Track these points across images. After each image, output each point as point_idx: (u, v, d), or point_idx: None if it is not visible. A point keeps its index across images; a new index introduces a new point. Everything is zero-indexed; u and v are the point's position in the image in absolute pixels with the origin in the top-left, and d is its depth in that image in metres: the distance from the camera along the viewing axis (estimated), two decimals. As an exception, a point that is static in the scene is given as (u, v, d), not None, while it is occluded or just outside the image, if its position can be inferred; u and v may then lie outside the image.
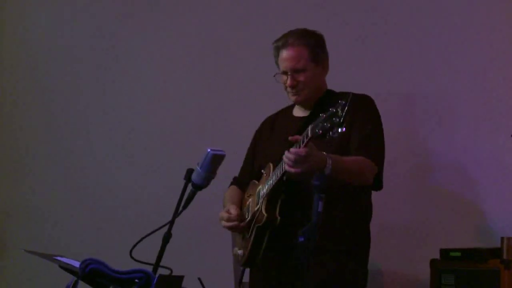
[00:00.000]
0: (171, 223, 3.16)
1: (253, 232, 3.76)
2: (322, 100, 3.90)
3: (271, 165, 3.77)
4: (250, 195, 3.94)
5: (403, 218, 4.69)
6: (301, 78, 3.85)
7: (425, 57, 4.70)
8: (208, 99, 5.14)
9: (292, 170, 3.52)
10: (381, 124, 3.89)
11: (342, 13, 4.86)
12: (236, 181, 4.15)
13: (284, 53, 3.86)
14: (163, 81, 5.26)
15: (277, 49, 3.90)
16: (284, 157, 3.53)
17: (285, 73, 3.88)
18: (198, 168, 3.19)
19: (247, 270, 3.96)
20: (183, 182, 3.24)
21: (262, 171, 3.86)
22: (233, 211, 3.86)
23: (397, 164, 4.54)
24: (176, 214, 3.18)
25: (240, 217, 3.85)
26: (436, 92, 4.69)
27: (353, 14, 4.85)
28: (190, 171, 3.23)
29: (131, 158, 5.26)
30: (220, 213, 3.92)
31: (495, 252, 4.06)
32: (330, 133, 3.23)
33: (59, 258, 3.15)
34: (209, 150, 3.19)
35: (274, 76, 3.92)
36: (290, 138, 3.56)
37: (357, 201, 3.86)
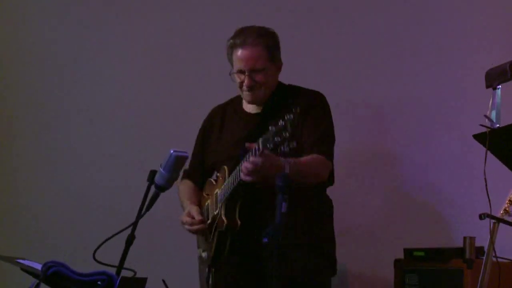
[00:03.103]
0: (134, 224, 3.14)
1: (215, 236, 3.78)
2: (274, 95, 3.89)
3: (225, 168, 3.78)
4: (208, 194, 3.94)
5: (367, 218, 4.72)
6: (259, 78, 3.82)
7: (394, 64, 4.74)
8: (169, 101, 5.13)
9: (248, 179, 3.53)
10: (331, 122, 3.89)
11: (318, 17, 4.88)
12: (187, 175, 4.12)
13: (242, 52, 3.81)
14: (135, 83, 5.24)
15: (233, 47, 3.84)
16: (242, 167, 3.54)
17: (241, 72, 3.83)
18: (161, 170, 3.18)
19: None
20: (146, 183, 3.22)
21: (218, 174, 3.86)
22: (196, 215, 3.87)
23: (361, 166, 4.56)
24: (140, 215, 3.17)
25: (203, 220, 3.86)
26: (403, 98, 4.73)
27: (331, 18, 4.87)
28: (153, 173, 3.21)
29: (96, 161, 5.23)
30: (182, 217, 3.93)
31: (458, 252, 4.08)
32: (282, 147, 3.22)
33: (20, 261, 3.12)
34: (172, 151, 3.18)
35: (230, 74, 3.89)
36: (246, 145, 3.54)
37: (316, 197, 3.88)
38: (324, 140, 3.82)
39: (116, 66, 5.27)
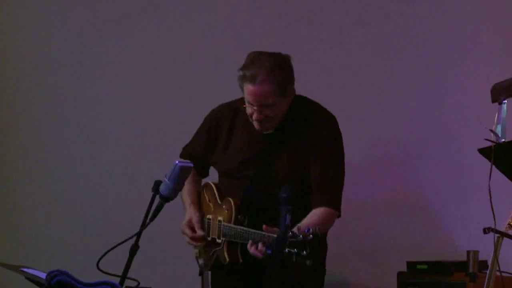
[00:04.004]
0: (139, 234, 3.15)
1: (213, 257, 3.83)
2: (287, 116, 3.83)
3: (232, 202, 3.78)
4: (210, 201, 3.94)
5: (371, 231, 4.71)
6: (268, 112, 3.73)
7: (406, 79, 4.75)
8: (173, 109, 5.12)
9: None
10: (343, 158, 3.86)
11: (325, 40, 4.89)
12: (188, 155, 3.99)
13: (252, 88, 3.68)
14: (139, 89, 5.22)
15: (244, 79, 3.72)
16: (251, 250, 3.57)
17: (251, 104, 3.75)
18: (166, 180, 3.18)
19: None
20: (151, 193, 3.22)
21: (223, 204, 3.85)
22: (198, 229, 3.87)
23: (364, 178, 4.56)
24: (144, 225, 3.17)
25: (203, 237, 3.86)
26: (408, 110, 4.74)
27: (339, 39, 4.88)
28: (158, 183, 3.22)
29: (101, 169, 5.23)
30: (183, 226, 3.91)
31: (461, 265, 4.09)
32: (295, 258, 3.10)
33: (25, 269, 3.13)
34: (177, 162, 3.18)
35: (243, 106, 3.82)
36: (264, 228, 3.54)
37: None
38: (333, 188, 3.79)
39: (120, 72, 5.25)
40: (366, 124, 4.75)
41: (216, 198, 3.90)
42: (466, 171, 4.51)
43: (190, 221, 3.91)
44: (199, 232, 3.85)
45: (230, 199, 3.80)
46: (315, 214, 3.73)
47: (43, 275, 2.93)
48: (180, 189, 3.22)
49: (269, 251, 3.00)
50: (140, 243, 3.14)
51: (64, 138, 5.33)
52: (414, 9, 4.75)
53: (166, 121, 5.14)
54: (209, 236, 3.87)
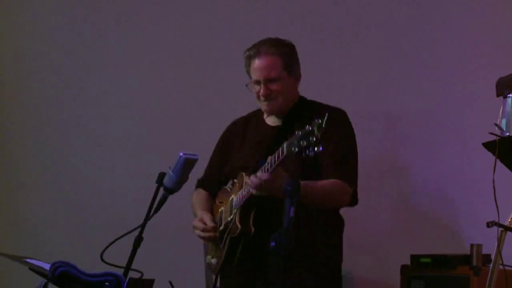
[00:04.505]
0: (143, 226, 3.16)
1: (227, 242, 3.77)
2: (295, 109, 3.88)
3: (243, 174, 3.76)
4: (222, 202, 3.93)
5: (374, 224, 4.71)
6: (274, 87, 3.81)
7: (410, 76, 4.74)
8: (181, 103, 5.13)
9: (254, 192, 3.56)
10: (355, 141, 3.87)
11: (330, 27, 4.88)
12: (201, 184, 4.10)
13: (257, 62, 3.81)
14: (141, 86, 5.24)
15: (249, 58, 3.85)
16: (249, 180, 3.56)
17: (257, 82, 3.83)
18: (170, 172, 3.19)
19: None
20: (155, 185, 3.23)
21: (235, 180, 3.85)
22: (209, 222, 3.85)
23: (369, 173, 4.56)
24: (148, 217, 3.18)
25: (215, 227, 3.84)
26: (411, 105, 4.73)
27: (341, 27, 4.88)
28: (162, 175, 3.22)
29: (104, 161, 5.24)
30: (194, 222, 3.90)
31: (465, 259, 4.08)
32: (307, 151, 3.21)
33: (29, 260, 3.14)
34: (181, 154, 3.18)
35: (247, 85, 3.89)
36: (269, 157, 3.53)
37: (328, 216, 3.86)
38: (345, 163, 3.78)
39: (123, 66, 5.28)
40: (370, 118, 4.74)
41: (229, 192, 3.90)
42: (470, 164, 4.51)
43: (201, 218, 3.91)
44: (210, 223, 3.85)
45: (242, 173, 3.78)
46: (324, 180, 3.72)
47: (47, 266, 2.94)
48: (184, 182, 3.22)
49: (273, 243, 3.00)
50: (144, 234, 3.15)
51: (67, 131, 5.35)
52: (419, 3, 4.74)
53: (170, 113, 5.15)
54: (221, 226, 3.87)
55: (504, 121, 3.35)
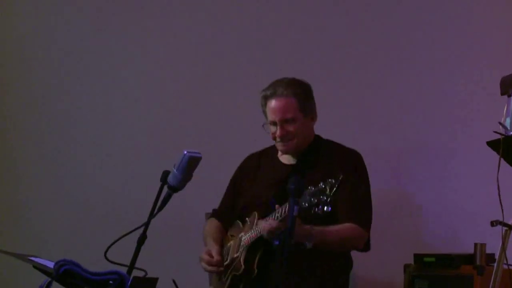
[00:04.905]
0: (146, 224, 3.15)
1: (229, 279, 3.80)
2: (310, 148, 3.92)
3: (256, 213, 3.79)
4: (233, 236, 3.95)
5: (377, 223, 4.70)
6: (290, 128, 3.85)
7: (408, 66, 4.74)
8: (185, 101, 5.13)
9: (266, 237, 3.60)
10: (369, 185, 3.92)
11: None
12: (216, 214, 4.16)
13: (273, 103, 3.85)
14: (142, 83, 5.24)
15: (265, 99, 3.89)
16: (261, 225, 3.59)
17: (273, 123, 3.87)
18: (174, 170, 3.18)
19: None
20: (159, 183, 3.23)
21: (247, 219, 3.87)
22: (215, 256, 3.89)
23: (372, 170, 4.55)
24: (152, 215, 3.17)
25: (220, 262, 3.88)
26: (414, 99, 4.73)
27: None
28: (166, 173, 3.22)
29: (107, 159, 5.24)
30: (202, 254, 3.96)
31: (468, 258, 4.08)
32: (316, 209, 3.22)
33: (33, 258, 3.14)
34: (185, 152, 3.18)
35: (263, 126, 3.92)
36: (277, 207, 3.58)
37: (339, 257, 3.91)
38: (361, 208, 3.83)
39: (125, 66, 5.27)
40: (373, 119, 4.75)
41: (241, 229, 3.92)
42: (474, 163, 4.50)
43: (208, 250, 3.95)
44: (217, 257, 3.88)
45: (255, 212, 3.82)
46: (339, 225, 3.74)
47: (51, 264, 2.94)
48: (189, 180, 3.22)
49: (277, 242, 3.00)
50: (148, 233, 3.15)
51: (70, 129, 5.34)
52: (421, 1, 4.74)
53: (173, 111, 5.15)
54: (227, 260, 3.88)
55: (508, 120, 3.34)
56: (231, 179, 4.18)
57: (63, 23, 5.38)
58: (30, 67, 5.45)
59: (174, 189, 3.20)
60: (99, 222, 5.13)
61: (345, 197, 3.74)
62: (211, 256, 3.90)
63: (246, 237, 3.78)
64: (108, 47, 5.31)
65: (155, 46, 5.22)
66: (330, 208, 3.20)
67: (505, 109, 3.36)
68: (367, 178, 3.92)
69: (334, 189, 3.19)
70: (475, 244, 4.06)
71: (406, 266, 4.26)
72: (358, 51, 4.82)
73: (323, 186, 3.21)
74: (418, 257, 4.24)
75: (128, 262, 3.11)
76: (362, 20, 4.84)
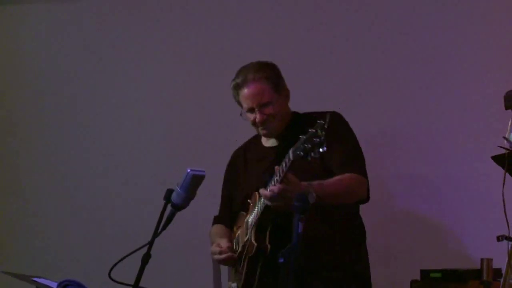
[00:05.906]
0: (151, 243, 3.14)
1: (245, 263, 3.76)
2: (290, 126, 3.90)
3: (256, 194, 3.76)
4: (239, 226, 3.93)
5: (384, 239, 4.69)
6: (269, 111, 3.84)
7: (412, 82, 4.74)
8: (188, 118, 5.13)
9: (270, 204, 3.55)
10: (355, 137, 3.89)
11: (331, 43, 4.88)
12: (218, 219, 4.16)
13: (246, 90, 3.85)
14: (148, 97, 5.23)
15: (237, 87, 3.88)
16: (262, 193, 3.56)
17: (251, 110, 3.86)
18: (178, 189, 3.18)
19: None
20: (163, 202, 3.22)
21: (249, 200, 3.86)
22: (224, 244, 3.87)
23: (377, 187, 4.54)
24: (156, 234, 3.16)
25: (231, 248, 3.85)
26: (419, 117, 4.72)
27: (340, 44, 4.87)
28: (169, 191, 3.21)
29: (111, 179, 5.23)
30: (212, 247, 3.93)
31: (475, 274, 4.06)
32: (312, 153, 3.20)
33: (36, 279, 3.13)
34: (189, 170, 3.18)
35: (240, 115, 3.91)
36: (276, 167, 3.54)
37: (350, 220, 3.88)
38: (353, 159, 3.80)
39: (133, 79, 5.27)
40: (376, 132, 4.75)
41: (244, 216, 3.90)
42: (479, 178, 4.49)
43: (217, 243, 3.93)
44: (227, 244, 3.87)
45: (255, 192, 3.79)
46: (338, 176, 3.71)
47: (54, 285, 2.93)
48: (192, 198, 3.21)
49: (281, 260, 2.99)
50: (152, 252, 3.14)
51: (75, 147, 5.34)
52: (425, 11, 4.73)
53: (179, 129, 5.14)
54: (239, 248, 3.86)
55: (512, 135, 3.34)
56: (223, 182, 4.17)
57: (64, 24, 5.38)
58: (37, 73, 5.44)
59: (178, 208, 3.20)
60: (103, 241, 5.12)
61: (337, 152, 3.72)
62: (220, 246, 3.87)
63: (252, 217, 3.76)
64: (115, 54, 5.29)
65: (162, 56, 5.20)
66: (325, 148, 3.16)
67: (509, 123, 3.35)
68: (351, 130, 3.89)
69: (325, 127, 3.15)
70: (482, 259, 4.04)
71: (413, 282, 4.24)
72: (358, 51, 4.81)
73: (314, 130, 3.19)
74: (424, 273, 4.23)
75: (132, 282, 3.10)
76: (363, 20, 4.84)
